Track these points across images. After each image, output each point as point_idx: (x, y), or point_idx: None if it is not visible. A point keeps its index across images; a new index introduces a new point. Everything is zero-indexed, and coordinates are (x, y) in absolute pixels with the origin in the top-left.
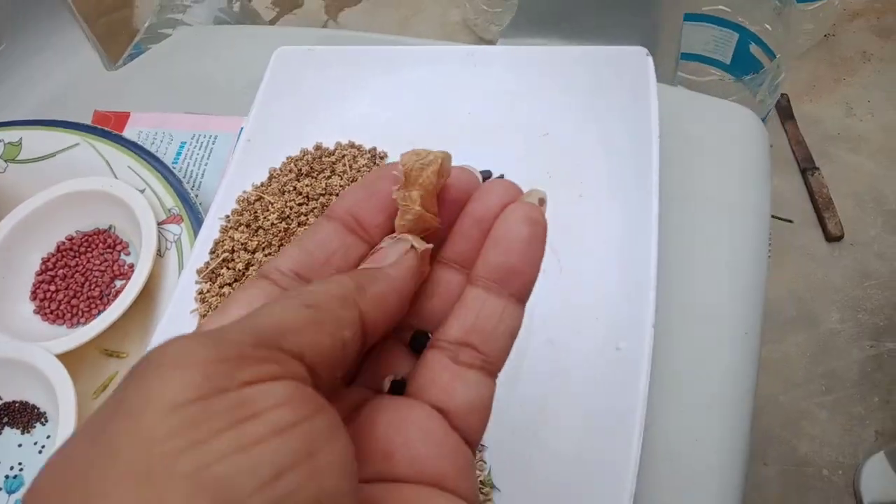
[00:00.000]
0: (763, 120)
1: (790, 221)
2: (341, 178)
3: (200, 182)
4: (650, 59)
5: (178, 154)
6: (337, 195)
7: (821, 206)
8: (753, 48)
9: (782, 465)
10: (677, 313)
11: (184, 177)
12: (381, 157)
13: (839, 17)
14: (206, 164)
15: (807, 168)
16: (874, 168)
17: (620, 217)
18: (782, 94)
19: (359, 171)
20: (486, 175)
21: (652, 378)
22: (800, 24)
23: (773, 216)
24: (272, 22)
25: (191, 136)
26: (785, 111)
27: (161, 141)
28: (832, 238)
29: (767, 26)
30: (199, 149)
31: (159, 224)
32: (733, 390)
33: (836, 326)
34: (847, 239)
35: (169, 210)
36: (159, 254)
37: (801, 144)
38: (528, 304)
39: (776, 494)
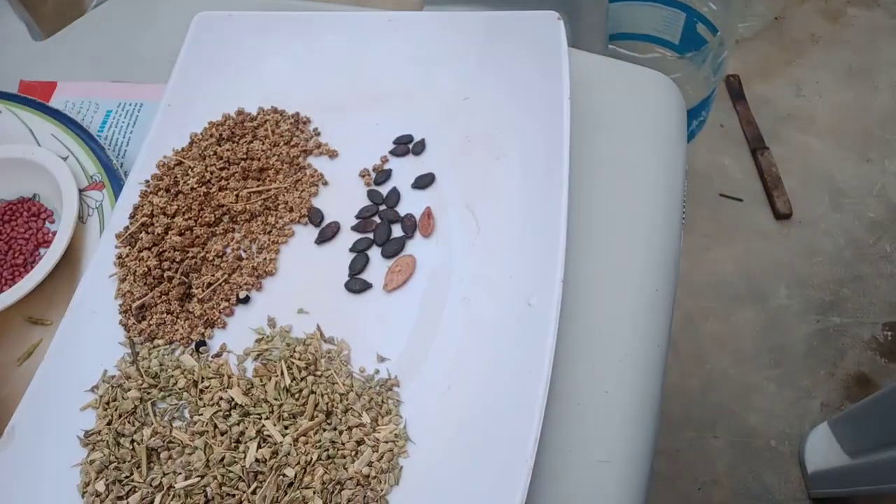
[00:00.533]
0: (709, 98)
1: (740, 200)
2: (262, 143)
3: (126, 150)
4: (561, 23)
5: (104, 122)
6: (258, 159)
7: (770, 185)
8: (700, 27)
9: (731, 436)
10: (590, 271)
11: (110, 145)
12: (304, 123)
13: (789, 0)
14: (131, 132)
15: (757, 148)
16: (822, 147)
17: (534, 178)
18: (733, 76)
19: (281, 136)
20: (407, 139)
21: (564, 332)
22: (751, 5)
23: (723, 195)
24: None
25: (117, 105)
26: (736, 92)
27: (87, 110)
28: (781, 216)
29: (712, 5)
30: (125, 117)
31: (81, 191)
32: (644, 345)
33: (784, 302)
34: (795, 217)
35: (91, 177)
36: (81, 220)
37: (752, 125)
38: (447, 264)
39: (725, 465)
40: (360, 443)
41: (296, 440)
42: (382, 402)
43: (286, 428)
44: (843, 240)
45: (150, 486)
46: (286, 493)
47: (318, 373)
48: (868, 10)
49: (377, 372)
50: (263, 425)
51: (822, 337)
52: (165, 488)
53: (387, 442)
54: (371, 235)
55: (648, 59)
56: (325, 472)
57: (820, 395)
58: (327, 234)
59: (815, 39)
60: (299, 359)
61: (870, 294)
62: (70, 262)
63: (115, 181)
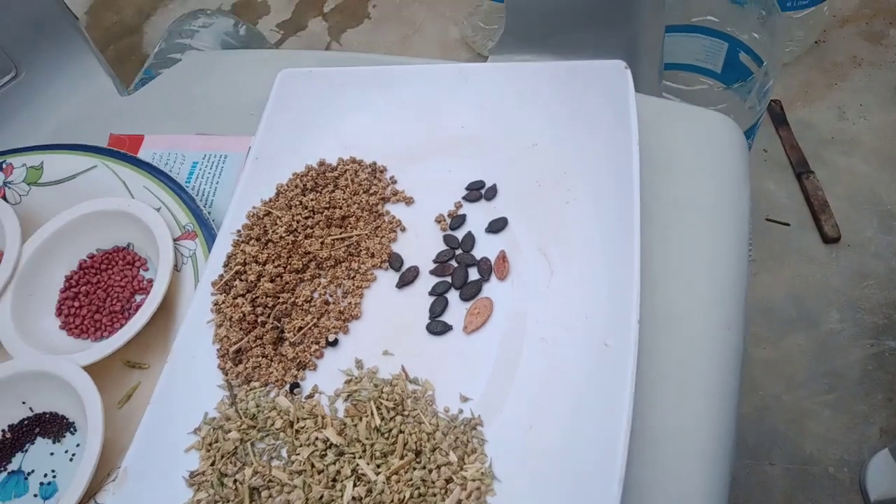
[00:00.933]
0: (755, 126)
1: (787, 225)
2: (344, 192)
3: (212, 200)
4: (628, 71)
5: (191, 174)
6: (340, 208)
7: (817, 209)
8: (742, 56)
9: (788, 463)
10: (662, 311)
11: (196, 195)
12: (381, 171)
13: (829, 24)
14: (217, 183)
15: (802, 172)
16: (868, 170)
17: (605, 221)
18: (775, 101)
19: (360, 185)
20: (479, 185)
21: (639, 372)
22: (790, 31)
23: (769, 220)
24: (277, 44)
25: (202, 157)
26: (778, 117)
27: (174, 162)
28: (829, 240)
29: (755, 35)
30: (211, 168)
31: (175, 240)
32: (718, 383)
33: (836, 326)
34: (844, 240)
35: (184, 227)
36: (176, 269)
37: (796, 149)
38: (522, 306)
39: (782, 493)
40: (448, 481)
41: (388, 478)
42: (468, 440)
43: (378, 467)
44: (894, 262)
45: None
46: None
47: (406, 413)
48: None
49: (461, 412)
50: (357, 464)
51: (877, 361)
52: None
53: (474, 480)
54: (449, 279)
55: (695, 91)
56: None
57: (878, 420)
58: (407, 278)
59: (857, 62)
60: (387, 399)
61: None
62: (165, 308)
63: (207, 230)
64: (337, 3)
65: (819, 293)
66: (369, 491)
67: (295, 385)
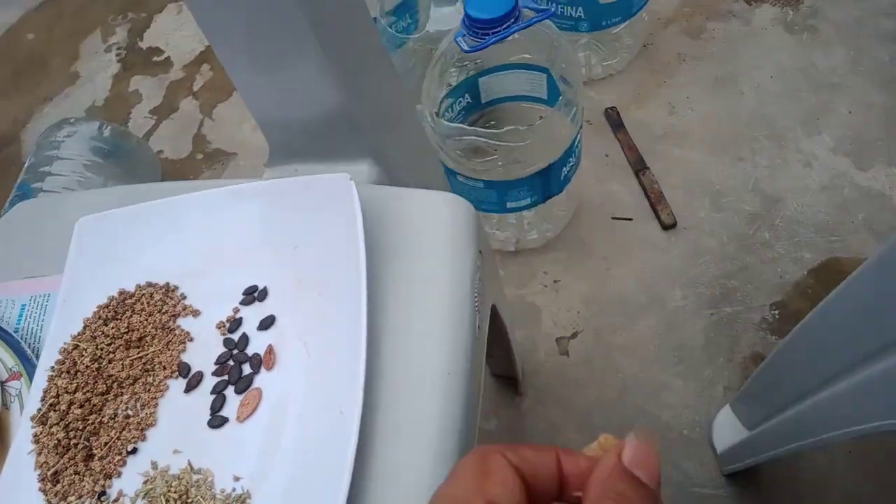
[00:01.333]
0: (572, 146)
1: (630, 220)
2: (140, 315)
3: (40, 336)
4: (352, 182)
5: (21, 316)
6: (137, 330)
7: (654, 201)
8: (560, 84)
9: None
10: (396, 370)
11: (27, 335)
12: (173, 290)
13: (654, 27)
14: (42, 321)
15: (639, 169)
16: (698, 157)
17: (343, 307)
18: (611, 108)
19: (155, 306)
20: (253, 289)
21: (374, 426)
22: (620, 39)
23: (615, 218)
24: (150, 131)
25: (29, 298)
26: (615, 122)
27: (5, 307)
28: (667, 227)
29: (563, 65)
30: (37, 308)
31: (3, 383)
32: (441, 423)
33: (679, 303)
34: (680, 224)
35: (10, 369)
36: (6, 407)
37: (633, 149)
38: (286, 390)
39: None
40: None
41: None
42: None
43: None
44: (725, 237)
45: None
46: None
47: (190, 500)
48: (725, 22)
49: (234, 490)
50: None
51: (716, 328)
52: None
53: None
54: (227, 377)
55: (504, 132)
56: None
57: (721, 380)
58: (193, 383)
59: (681, 58)
60: (174, 491)
61: (755, 280)
62: (2, 443)
63: (31, 369)
64: (205, 80)
65: (663, 276)
66: None
67: (102, 493)
